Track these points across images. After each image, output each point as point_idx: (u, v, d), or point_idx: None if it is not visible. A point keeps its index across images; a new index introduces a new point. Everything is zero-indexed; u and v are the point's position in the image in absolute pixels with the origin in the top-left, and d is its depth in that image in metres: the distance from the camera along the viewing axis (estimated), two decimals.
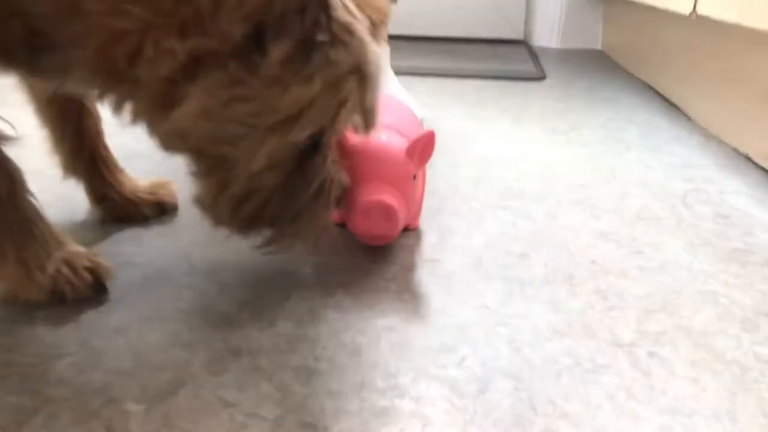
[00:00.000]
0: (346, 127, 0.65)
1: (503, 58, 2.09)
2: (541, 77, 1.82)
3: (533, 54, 2.16)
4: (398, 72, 1.42)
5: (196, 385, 0.56)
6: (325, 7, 0.56)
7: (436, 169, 1.08)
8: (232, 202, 0.63)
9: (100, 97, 0.62)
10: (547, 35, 2.39)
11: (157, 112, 0.59)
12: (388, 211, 0.74)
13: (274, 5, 0.54)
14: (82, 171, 0.84)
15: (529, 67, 1.93)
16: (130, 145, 1.20)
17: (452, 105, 1.51)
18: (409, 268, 0.77)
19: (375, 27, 0.65)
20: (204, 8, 0.53)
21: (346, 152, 0.77)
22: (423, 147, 0.77)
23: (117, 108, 0.62)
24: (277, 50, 0.55)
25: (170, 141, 0.62)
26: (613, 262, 0.80)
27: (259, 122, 0.58)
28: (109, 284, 0.70)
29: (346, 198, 0.74)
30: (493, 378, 0.58)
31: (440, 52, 2.14)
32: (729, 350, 0.63)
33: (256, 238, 0.68)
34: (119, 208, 0.86)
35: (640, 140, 1.29)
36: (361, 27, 0.60)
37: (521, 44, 2.36)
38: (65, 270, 0.68)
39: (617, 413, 0.55)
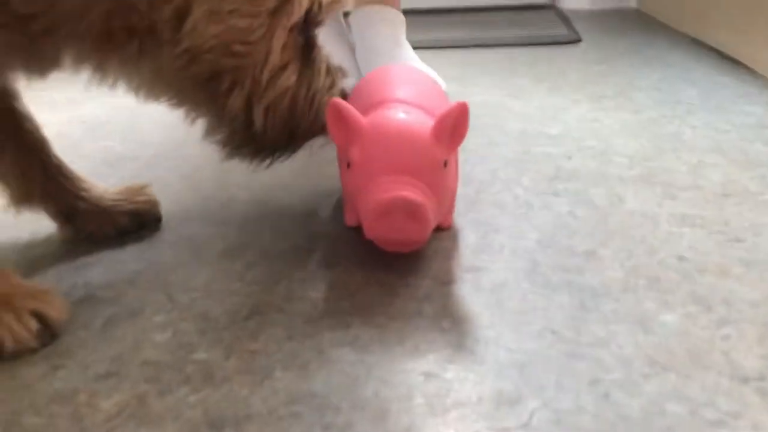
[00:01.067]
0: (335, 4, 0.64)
1: (532, 23, 1.89)
2: (575, 40, 1.63)
3: (564, 17, 1.96)
4: (417, 47, 1.24)
5: None
6: None
7: (468, 152, 0.90)
8: (265, 109, 0.62)
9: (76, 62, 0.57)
10: None
11: (167, 40, 0.56)
12: (414, 210, 0.57)
13: None
14: (38, 191, 0.68)
15: (561, 31, 1.74)
16: (115, 149, 1.05)
17: (479, 76, 1.33)
18: (446, 282, 0.60)
19: None
20: None
21: (353, 133, 0.60)
22: (454, 124, 0.60)
23: (98, 70, 0.59)
24: None
25: (183, 69, 0.58)
26: (708, 256, 0.62)
27: (260, 7, 0.57)
28: (61, 330, 0.54)
29: (358, 195, 0.58)
30: None
31: (462, 23, 1.95)
32: None
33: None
34: (91, 222, 0.70)
35: (702, 101, 1.10)
36: None
37: (549, 8, 2.16)
38: (4, 314, 0.52)
39: None
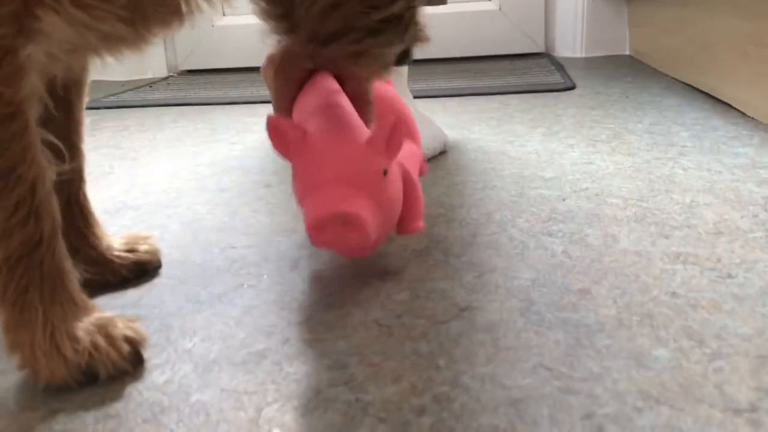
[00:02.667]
0: None
1: (526, 71, 1.93)
2: (570, 87, 1.66)
3: (558, 65, 2.00)
4: (415, 96, 1.27)
5: None
6: None
7: (464, 196, 0.92)
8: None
9: None
10: (570, 45, 2.24)
11: None
12: (350, 221, 0.60)
13: None
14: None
15: (555, 78, 1.78)
16: (117, 197, 1.07)
17: (475, 123, 1.35)
18: (442, 321, 0.60)
19: None
20: None
21: (292, 145, 0.63)
22: (390, 134, 0.63)
23: None
24: None
25: None
26: (700, 292, 0.63)
27: None
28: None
29: (301, 206, 0.64)
30: None
31: (458, 72, 1.99)
32: None
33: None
34: (94, 267, 0.71)
35: (694, 143, 1.12)
36: None
37: (543, 56, 2.21)
38: (101, 340, 0.54)
39: None
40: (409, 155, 0.74)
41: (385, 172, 0.63)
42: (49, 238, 0.53)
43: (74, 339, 0.53)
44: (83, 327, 0.54)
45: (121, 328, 0.56)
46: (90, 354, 0.53)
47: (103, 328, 0.55)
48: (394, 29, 0.62)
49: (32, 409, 0.51)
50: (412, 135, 0.79)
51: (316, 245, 0.64)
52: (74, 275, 0.56)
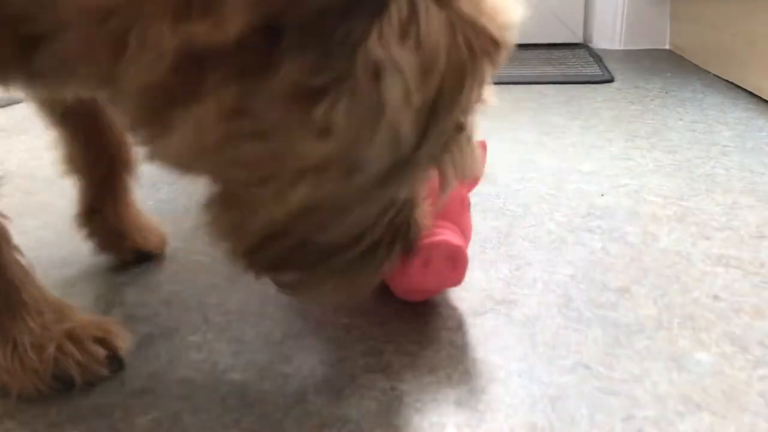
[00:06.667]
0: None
1: (564, 62, 1.91)
2: (608, 80, 1.63)
3: (596, 56, 1.97)
4: None
5: None
6: (378, 13, 0.34)
7: (500, 186, 0.91)
8: (250, 241, 0.45)
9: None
10: (608, 37, 2.20)
11: (142, 129, 0.42)
12: (455, 256, 0.56)
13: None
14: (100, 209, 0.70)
15: (593, 70, 1.75)
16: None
17: (512, 113, 1.34)
18: (479, 313, 0.60)
19: (489, 49, 0.39)
20: None
21: None
22: None
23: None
24: (292, 73, 0.36)
25: (168, 166, 0.44)
26: (743, 296, 0.61)
27: (282, 168, 0.39)
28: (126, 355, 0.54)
29: None
30: None
31: None
32: None
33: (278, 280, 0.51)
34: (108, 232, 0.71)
35: (736, 142, 1.10)
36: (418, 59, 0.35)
37: (581, 47, 2.17)
38: (69, 346, 0.52)
39: None
40: None
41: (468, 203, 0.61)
42: None
43: (39, 349, 0.51)
44: (49, 336, 0.52)
45: (94, 332, 0.53)
46: (58, 361, 0.51)
47: (74, 334, 0.52)
48: (368, 256, 0.47)
49: None
50: None
51: (405, 283, 0.58)
52: (35, 285, 0.53)
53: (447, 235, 0.56)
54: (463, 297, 0.62)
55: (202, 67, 0.37)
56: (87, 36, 0.40)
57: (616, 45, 2.19)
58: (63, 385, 0.51)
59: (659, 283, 0.64)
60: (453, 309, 0.60)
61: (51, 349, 0.51)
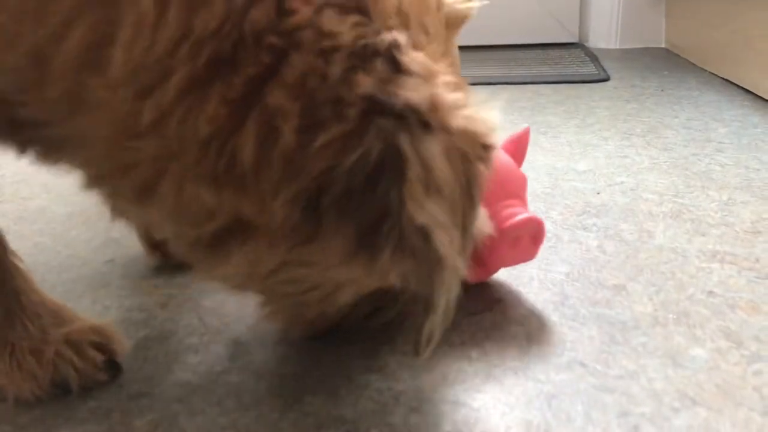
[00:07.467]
0: None
1: (559, 61, 1.91)
2: (604, 79, 1.63)
3: (591, 55, 1.98)
4: None
5: None
6: (400, 182, 0.38)
7: None
8: (306, 327, 0.55)
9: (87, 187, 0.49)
10: (604, 36, 2.21)
11: (194, 255, 0.46)
12: (538, 232, 0.60)
13: (331, 182, 0.38)
14: None
15: (589, 69, 1.75)
16: None
17: (508, 113, 1.34)
18: (475, 312, 0.60)
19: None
20: (241, 166, 0.39)
21: None
22: (520, 144, 0.65)
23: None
24: (340, 242, 0.41)
25: (217, 282, 0.50)
26: (738, 292, 0.62)
27: (318, 283, 0.46)
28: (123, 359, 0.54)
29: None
30: None
31: (489, 60, 1.97)
32: None
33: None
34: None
35: (731, 139, 1.10)
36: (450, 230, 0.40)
37: (577, 47, 2.17)
38: (67, 351, 0.51)
39: None
40: None
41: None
42: None
43: (37, 354, 0.51)
44: (48, 340, 0.52)
45: (92, 337, 0.53)
46: (56, 366, 0.51)
47: (72, 339, 0.52)
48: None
49: None
50: None
51: (494, 262, 0.61)
52: (34, 289, 0.53)
53: (528, 212, 0.59)
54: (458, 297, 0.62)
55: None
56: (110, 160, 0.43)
57: (612, 44, 2.19)
58: (60, 390, 0.51)
59: (655, 280, 0.64)
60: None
61: (49, 353, 0.51)
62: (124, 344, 0.55)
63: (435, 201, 0.38)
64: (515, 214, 0.58)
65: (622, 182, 0.91)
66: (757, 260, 0.68)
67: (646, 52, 2.06)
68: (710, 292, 0.62)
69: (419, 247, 0.38)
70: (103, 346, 0.53)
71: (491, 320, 0.58)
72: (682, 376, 0.50)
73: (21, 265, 0.53)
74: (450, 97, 0.39)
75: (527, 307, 0.60)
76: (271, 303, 0.52)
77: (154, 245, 0.71)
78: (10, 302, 0.51)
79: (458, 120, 0.39)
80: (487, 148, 0.41)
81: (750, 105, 1.31)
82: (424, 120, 0.37)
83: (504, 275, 0.66)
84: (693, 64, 1.80)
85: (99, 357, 0.52)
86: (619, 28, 2.18)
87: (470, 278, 0.60)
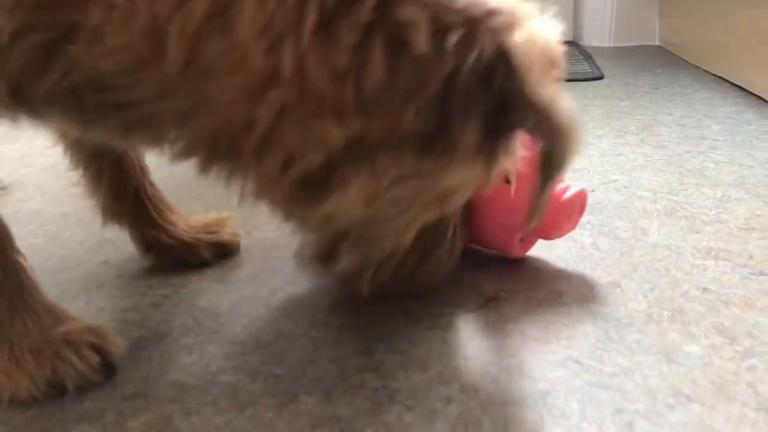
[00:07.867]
0: None
1: None
2: (598, 77, 1.64)
3: (585, 54, 1.98)
4: None
5: None
6: (512, 75, 0.43)
7: None
8: (372, 271, 0.57)
9: (202, 169, 0.50)
10: (598, 34, 2.21)
11: (299, 201, 0.49)
12: (584, 203, 0.68)
13: (457, 81, 0.43)
14: (126, 214, 0.70)
15: (583, 67, 1.75)
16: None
17: None
18: (469, 310, 0.60)
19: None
20: (370, 90, 0.43)
21: None
22: None
23: (227, 181, 0.51)
24: (469, 136, 0.45)
25: (312, 225, 0.55)
26: (732, 289, 0.62)
27: (419, 199, 0.49)
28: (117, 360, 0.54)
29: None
30: None
31: None
32: None
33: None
34: (173, 253, 0.71)
35: (725, 136, 1.10)
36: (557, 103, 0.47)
37: (571, 45, 2.18)
38: (66, 351, 0.51)
39: None
40: None
41: None
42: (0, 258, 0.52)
43: (36, 353, 0.51)
44: (47, 339, 0.52)
45: (88, 338, 0.53)
46: (54, 366, 0.51)
47: (70, 339, 0.52)
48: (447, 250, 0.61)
49: None
50: None
51: (550, 232, 0.66)
52: (37, 289, 0.53)
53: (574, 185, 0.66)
54: (453, 295, 0.62)
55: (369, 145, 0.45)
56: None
57: (606, 42, 2.20)
58: (56, 390, 0.50)
59: (649, 277, 0.64)
60: (444, 307, 0.61)
61: (48, 353, 0.51)
62: (119, 345, 0.54)
63: (545, 83, 0.45)
64: (566, 189, 0.65)
65: (616, 180, 0.92)
66: (751, 257, 0.68)
67: (640, 50, 2.07)
68: (704, 289, 0.62)
69: (543, 122, 0.45)
70: (99, 346, 0.53)
71: (486, 318, 0.58)
72: (677, 373, 0.50)
73: (25, 264, 0.53)
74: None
75: (522, 304, 0.60)
76: (351, 248, 0.55)
77: (148, 246, 0.71)
78: (14, 298, 0.52)
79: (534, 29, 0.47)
80: (555, 64, 0.48)
81: (743, 102, 1.32)
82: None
83: (498, 273, 0.66)
84: (686, 61, 1.80)
85: (95, 358, 0.52)
86: (612, 26, 2.18)
87: (524, 251, 0.68)
